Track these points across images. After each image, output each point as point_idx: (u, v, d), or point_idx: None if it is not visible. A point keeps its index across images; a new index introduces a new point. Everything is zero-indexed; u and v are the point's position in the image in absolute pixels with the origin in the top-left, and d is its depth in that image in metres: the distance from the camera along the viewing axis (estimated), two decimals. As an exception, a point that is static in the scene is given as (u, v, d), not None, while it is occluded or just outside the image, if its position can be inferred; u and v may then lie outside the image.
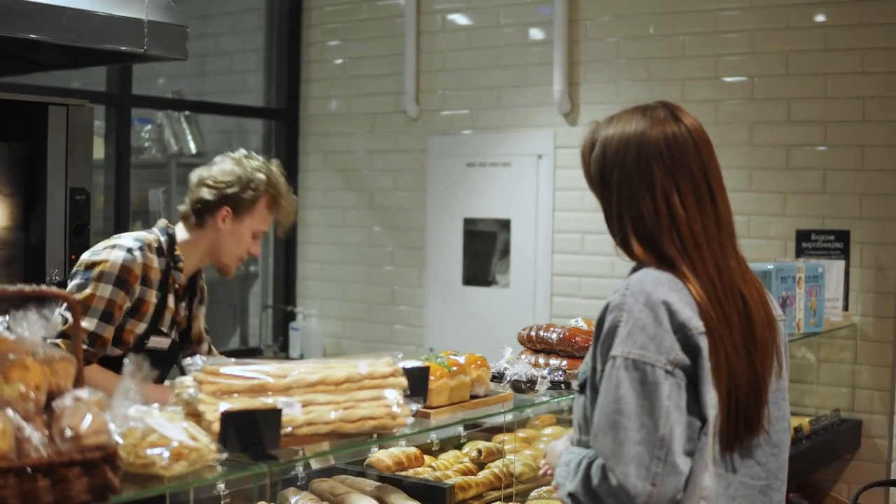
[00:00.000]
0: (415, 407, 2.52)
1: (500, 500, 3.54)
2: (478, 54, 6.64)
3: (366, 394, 2.44)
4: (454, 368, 2.85)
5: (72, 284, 3.32)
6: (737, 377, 2.20)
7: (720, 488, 2.22)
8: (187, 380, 2.33)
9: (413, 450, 3.69)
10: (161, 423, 2.04)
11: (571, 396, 3.21)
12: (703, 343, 2.16)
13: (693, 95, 5.79)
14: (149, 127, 7.09)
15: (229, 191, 3.43)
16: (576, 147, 6.12)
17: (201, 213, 3.47)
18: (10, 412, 1.75)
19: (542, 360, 3.35)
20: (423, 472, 3.62)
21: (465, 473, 3.66)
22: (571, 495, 2.22)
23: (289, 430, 2.30)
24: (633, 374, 2.12)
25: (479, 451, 3.80)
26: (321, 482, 3.35)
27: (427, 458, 3.75)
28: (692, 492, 2.15)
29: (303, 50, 7.42)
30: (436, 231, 6.85)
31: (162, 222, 3.54)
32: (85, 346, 3.19)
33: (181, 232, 3.52)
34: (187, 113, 7.14)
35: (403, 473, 3.56)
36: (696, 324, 2.17)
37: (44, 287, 1.85)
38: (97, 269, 3.31)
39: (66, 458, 1.73)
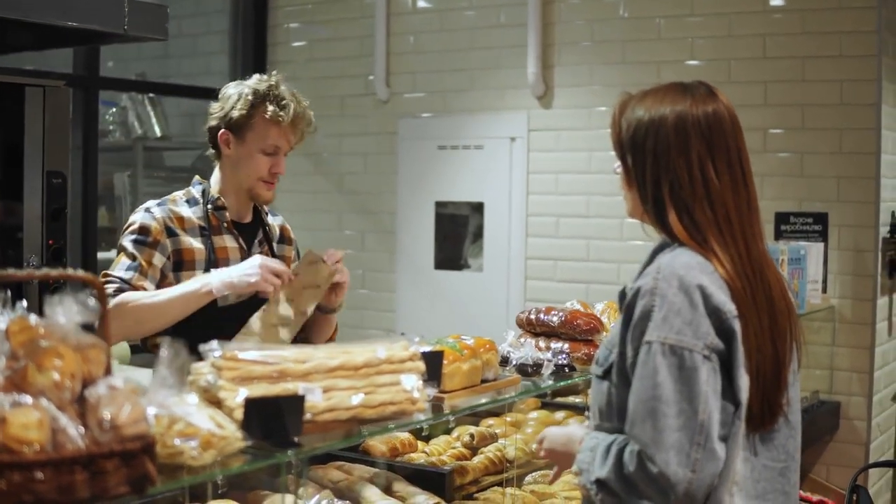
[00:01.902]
0: (431, 392, 2.47)
1: (496, 485, 3.50)
2: (449, 36, 6.59)
3: (385, 378, 2.38)
4: (465, 352, 2.81)
5: None
6: (763, 359, 2.19)
7: (747, 472, 2.20)
8: (203, 366, 2.27)
9: (406, 435, 3.63)
10: (188, 412, 1.97)
11: (577, 380, 3.19)
12: (737, 326, 2.13)
13: (668, 78, 5.64)
14: (113, 110, 6.96)
15: (222, 112, 3.40)
16: (550, 130, 6.23)
17: (213, 144, 3.45)
18: (44, 402, 1.68)
19: (542, 344, 3.31)
20: (418, 458, 3.57)
21: (459, 459, 3.61)
22: (600, 482, 2.18)
23: (309, 416, 2.24)
24: (671, 359, 2.08)
25: (472, 436, 3.75)
26: (318, 469, 3.29)
27: (419, 443, 3.70)
28: (726, 477, 2.12)
29: (269, 32, 7.32)
30: (407, 215, 6.79)
31: (196, 178, 3.52)
32: (116, 286, 3.18)
33: (215, 174, 3.48)
34: (151, 95, 7.01)
35: (399, 459, 3.51)
36: (729, 307, 2.13)
37: (70, 270, 1.78)
38: (126, 231, 3.32)
39: (105, 449, 1.66)
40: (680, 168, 2.21)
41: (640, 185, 2.28)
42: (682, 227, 2.22)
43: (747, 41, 5.61)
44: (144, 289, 3.22)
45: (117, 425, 1.69)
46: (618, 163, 2.34)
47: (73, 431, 1.68)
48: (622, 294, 2.26)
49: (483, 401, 2.89)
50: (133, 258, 3.25)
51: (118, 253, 3.31)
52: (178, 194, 3.44)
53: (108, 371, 1.84)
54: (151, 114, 7.02)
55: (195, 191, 3.45)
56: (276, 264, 3.22)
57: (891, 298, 5.62)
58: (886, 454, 5.62)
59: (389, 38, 6.79)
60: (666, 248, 2.26)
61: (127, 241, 3.28)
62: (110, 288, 3.16)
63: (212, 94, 3.44)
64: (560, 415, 4.10)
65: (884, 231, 5.40)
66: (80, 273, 1.83)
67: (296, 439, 2.21)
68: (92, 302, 1.73)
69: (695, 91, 2.28)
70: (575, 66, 6.15)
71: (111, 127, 6.98)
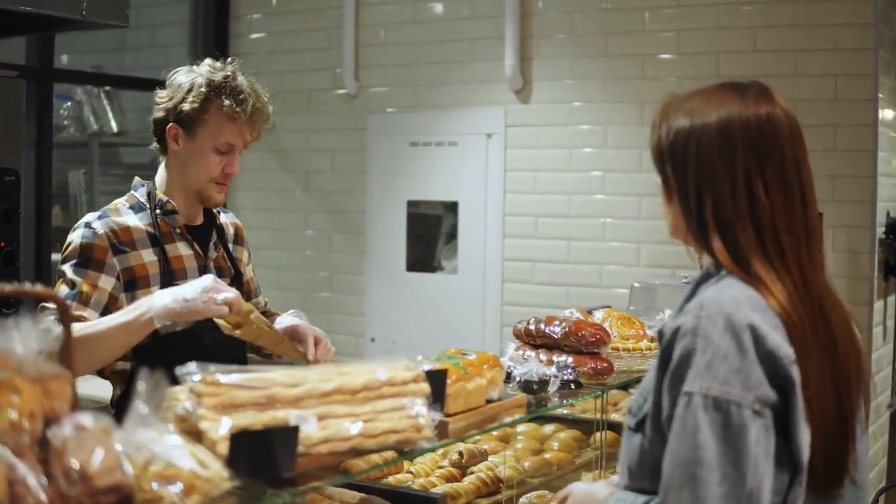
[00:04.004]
0: (437, 416, 2.21)
1: (490, 508, 3.25)
2: (422, 27, 6.35)
3: (387, 403, 2.12)
4: (469, 370, 2.54)
5: None
6: (826, 410, 1.87)
7: None
8: (181, 391, 1.98)
9: (392, 454, 3.37)
10: (167, 451, 1.69)
11: (585, 397, 2.94)
12: (795, 373, 1.81)
13: (653, 72, 5.56)
14: (68, 104, 6.65)
15: (171, 103, 3.03)
16: (528, 126, 5.98)
17: (159, 138, 3.10)
18: (-1, 447, 1.39)
19: (543, 357, 3.05)
20: (404, 479, 3.32)
21: (448, 479, 3.36)
22: None
23: (303, 448, 1.97)
24: (715, 415, 1.77)
25: (461, 454, 3.49)
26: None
27: (404, 462, 3.44)
28: None
29: (231, 22, 7.04)
30: (377, 214, 6.54)
31: (136, 179, 3.17)
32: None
33: (160, 172, 3.14)
34: (108, 89, 6.70)
35: (383, 481, 3.25)
36: (786, 351, 1.81)
37: (27, 285, 1.49)
38: (65, 255, 2.97)
39: None
40: (722, 179, 1.91)
41: (682, 199, 1.97)
42: (725, 249, 1.92)
43: (736, 33, 5.41)
44: (84, 319, 2.84)
45: (88, 476, 1.41)
46: (658, 177, 2.03)
47: (34, 482, 1.40)
48: (660, 334, 1.95)
49: (489, 425, 2.61)
50: (72, 285, 2.89)
51: (58, 279, 2.95)
52: (121, 201, 3.09)
53: (74, 406, 1.56)
54: (108, 108, 6.73)
55: (139, 194, 3.10)
56: (226, 292, 2.74)
57: (885, 302, 5.43)
58: (880, 464, 5.42)
59: (358, 30, 6.53)
60: (710, 279, 1.96)
61: (66, 266, 2.92)
62: None
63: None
64: (549, 427, 3.87)
65: (880, 232, 5.20)
66: (40, 289, 1.55)
67: (288, 476, 1.94)
68: (55, 325, 1.44)
69: (746, 92, 1.97)
70: (554, 59, 5.92)
71: (66, 122, 6.68)
